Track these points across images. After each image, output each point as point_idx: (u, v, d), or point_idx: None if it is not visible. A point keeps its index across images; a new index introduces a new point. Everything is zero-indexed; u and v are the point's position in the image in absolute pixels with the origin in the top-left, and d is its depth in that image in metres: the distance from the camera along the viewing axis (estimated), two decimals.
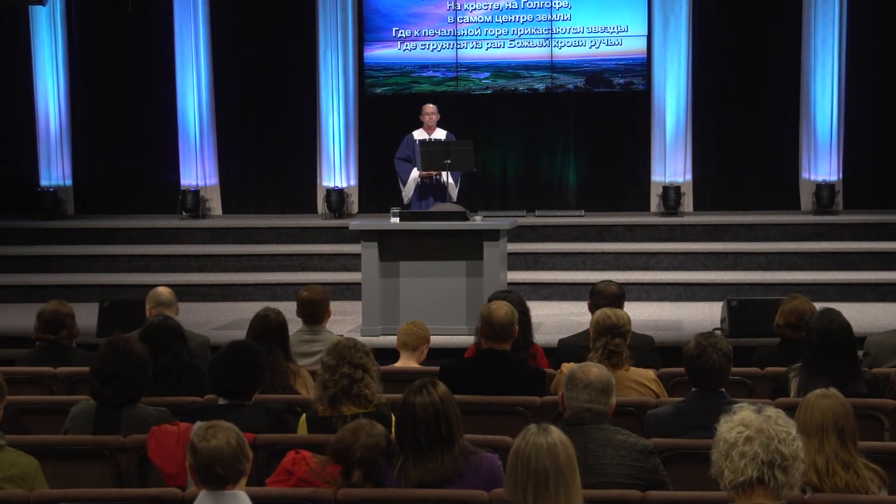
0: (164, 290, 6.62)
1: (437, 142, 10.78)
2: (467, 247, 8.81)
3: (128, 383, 4.79)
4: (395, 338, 6.30)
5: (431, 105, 11.16)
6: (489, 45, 13.00)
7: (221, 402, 4.71)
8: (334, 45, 13.06)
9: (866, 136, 12.64)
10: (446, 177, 10.52)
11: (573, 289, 10.50)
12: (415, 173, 10.82)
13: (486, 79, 13.08)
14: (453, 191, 10.74)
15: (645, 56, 12.75)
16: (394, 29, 13.12)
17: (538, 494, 3.29)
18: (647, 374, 5.50)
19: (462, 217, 8.99)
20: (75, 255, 11.82)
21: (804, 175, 12.59)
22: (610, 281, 6.67)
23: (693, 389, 4.79)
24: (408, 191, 10.92)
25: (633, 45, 12.80)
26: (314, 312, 6.47)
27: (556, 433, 3.36)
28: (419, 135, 11.06)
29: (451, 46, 13.06)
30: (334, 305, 7.07)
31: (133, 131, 13.56)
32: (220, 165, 13.43)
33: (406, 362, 6.13)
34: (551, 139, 13.32)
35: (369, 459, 3.92)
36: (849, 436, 3.84)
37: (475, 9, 12.98)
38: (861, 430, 4.03)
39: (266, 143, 13.53)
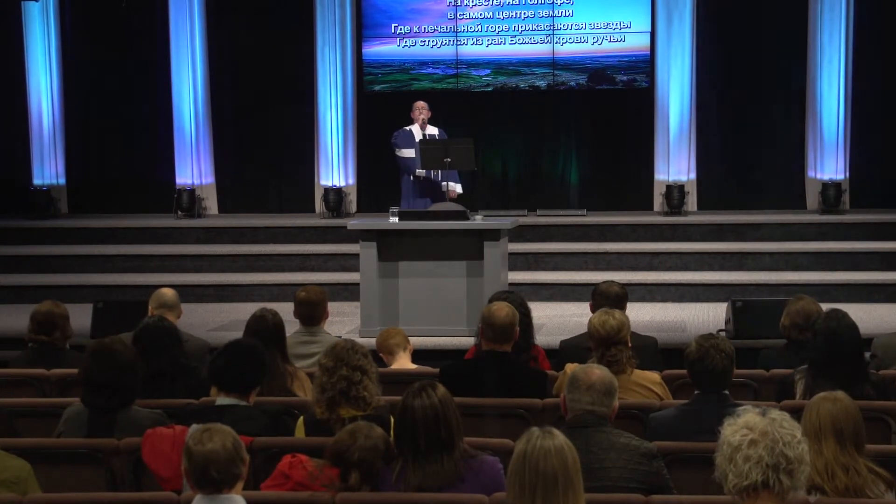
0: (167, 292, 6.59)
1: (437, 140, 10.74)
2: (467, 247, 8.75)
3: (118, 390, 4.75)
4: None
5: (422, 101, 11.12)
6: (490, 42, 12.94)
7: (218, 402, 4.68)
8: (332, 42, 13.00)
9: (873, 134, 12.57)
10: (444, 180, 10.49)
11: (575, 289, 10.44)
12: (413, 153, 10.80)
13: (486, 76, 13.02)
14: (456, 188, 10.74)
15: (648, 53, 12.68)
16: (393, 25, 13.06)
17: (547, 498, 3.24)
18: (652, 377, 5.45)
19: (462, 217, 8.93)
20: (69, 255, 11.76)
21: (810, 174, 12.52)
22: (612, 281, 6.63)
23: (696, 392, 4.76)
24: (410, 153, 10.86)
25: (636, 42, 12.73)
26: (312, 313, 6.43)
27: (560, 436, 3.33)
28: (416, 132, 10.99)
29: (452, 43, 13.00)
30: (332, 306, 7.03)
31: (127, 129, 13.50)
32: (217, 164, 13.38)
33: (403, 363, 6.11)
34: (553, 137, 13.27)
35: (367, 462, 3.88)
36: (848, 438, 3.81)
37: (475, 4, 12.92)
38: (868, 432, 3.99)
39: (263, 142, 13.47)
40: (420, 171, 10.76)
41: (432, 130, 11.00)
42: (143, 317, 6.23)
